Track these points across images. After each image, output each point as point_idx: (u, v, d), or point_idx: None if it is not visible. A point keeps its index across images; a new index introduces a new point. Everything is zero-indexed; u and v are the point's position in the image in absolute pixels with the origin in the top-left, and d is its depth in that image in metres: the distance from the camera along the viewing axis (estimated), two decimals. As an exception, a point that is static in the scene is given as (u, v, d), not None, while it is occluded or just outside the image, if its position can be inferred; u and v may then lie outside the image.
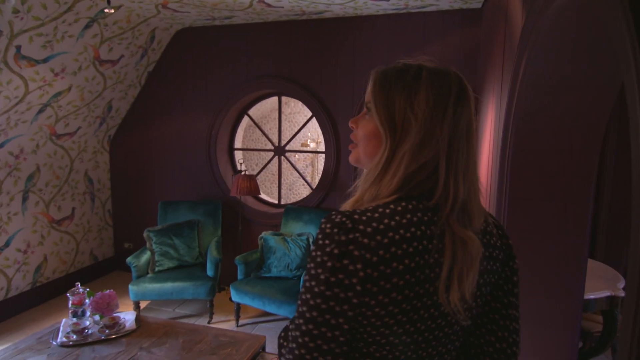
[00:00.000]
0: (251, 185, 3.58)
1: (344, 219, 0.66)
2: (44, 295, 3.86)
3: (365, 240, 0.64)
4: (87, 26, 3.20)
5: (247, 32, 3.89)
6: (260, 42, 3.87)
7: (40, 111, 3.46)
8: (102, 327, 2.36)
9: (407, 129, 0.71)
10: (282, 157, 4.31)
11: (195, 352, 2.16)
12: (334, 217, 0.67)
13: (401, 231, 0.66)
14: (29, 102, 3.28)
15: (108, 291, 2.42)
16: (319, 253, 0.65)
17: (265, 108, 5.67)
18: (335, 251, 0.64)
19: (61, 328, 2.36)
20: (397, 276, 0.65)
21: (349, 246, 0.64)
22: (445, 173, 0.70)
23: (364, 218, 0.66)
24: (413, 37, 3.45)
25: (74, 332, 2.29)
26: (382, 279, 0.64)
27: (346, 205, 0.75)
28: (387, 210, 0.68)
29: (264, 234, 3.54)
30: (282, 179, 4.73)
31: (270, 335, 3.15)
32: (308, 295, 0.65)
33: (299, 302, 0.68)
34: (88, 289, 2.47)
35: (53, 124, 3.68)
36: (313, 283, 0.65)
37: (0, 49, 2.77)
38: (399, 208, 0.68)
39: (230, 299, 3.44)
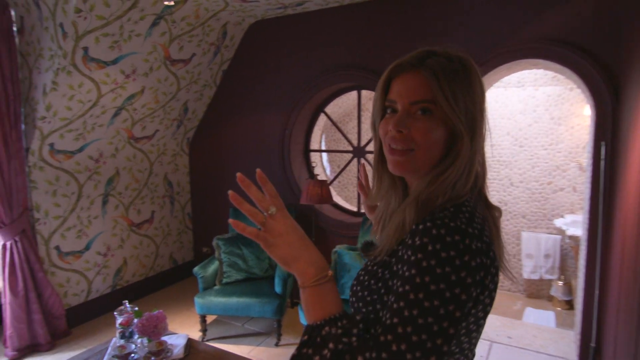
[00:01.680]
0: (323, 192, 3.14)
1: (462, 225, 0.66)
2: (123, 298, 3.86)
3: (478, 245, 0.66)
4: (154, 24, 3.05)
5: (321, 18, 3.46)
6: (335, 30, 3.42)
7: (116, 114, 3.43)
8: (147, 354, 2.10)
9: (480, 124, 0.74)
10: (363, 159, 3.81)
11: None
12: (453, 224, 0.66)
13: (486, 232, 0.71)
14: (103, 105, 3.25)
15: (157, 312, 2.17)
16: (447, 269, 0.62)
17: (347, 105, 5.22)
18: (469, 260, 0.64)
19: (109, 349, 2.16)
20: (496, 275, 0.71)
21: (477, 255, 0.65)
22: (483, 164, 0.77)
23: (473, 226, 0.68)
24: (522, 12, 2.71)
25: (118, 356, 2.07)
26: (492, 280, 0.69)
27: (410, 207, 0.73)
28: (472, 212, 0.70)
29: (338, 248, 3.09)
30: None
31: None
32: (430, 319, 0.61)
33: (405, 329, 0.61)
34: (137, 308, 2.24)
35: (130, 127, 3.65)
36: (443, 295, 0.62)
37: (67, 51, 2.72)
38: (473, 207, 0.72)
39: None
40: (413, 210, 0.72)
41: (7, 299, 2.93)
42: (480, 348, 3.00)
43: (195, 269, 3.27)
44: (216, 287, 3.23)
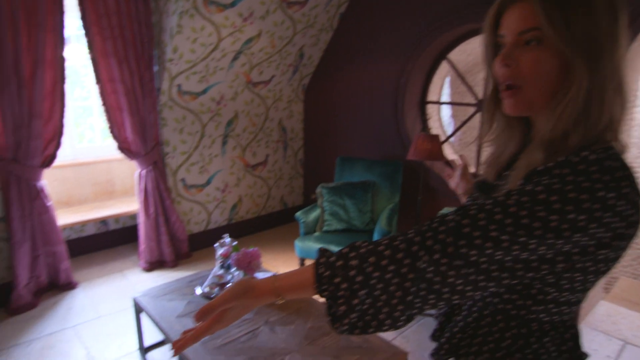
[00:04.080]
0: (433, 148, 2.86)
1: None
2: (238, 232, 4.20)
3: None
4: (271, -38, 2.98)
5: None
6: (470, -41, 2.93)
7: (235, 58, 3.54)
8: (241, 286, 2.23)
9: (608, 49, 0.65)
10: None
11: (317, 346, 1.78)
12: (621, 172, 0.63)
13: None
14: (223, 49, 3.37)
15: (252, 249, 2.26)
16: (583, 198, 0.61)
17: (479, 53, 4.63)
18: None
19: (209, 277, 2.35)
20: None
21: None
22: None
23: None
24: None
25: (216, 284, 2.23)
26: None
27: (536, 149, 0.70)
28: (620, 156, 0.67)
29: (446, 209, 2.83)
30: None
31: (418, 347, 2.53)
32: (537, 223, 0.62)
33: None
34: (235, 243, 2.37)
35: (248, 71, 3.76)
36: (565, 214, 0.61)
37: (190, -7, 2.82)
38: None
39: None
40: (540, 151, 0.69)
41: (141, 220, 3.40)
42: (609, 347, 2.54)
43: (298, 214, 3.34)
44: (316, 234, 3.28)
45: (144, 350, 2.33)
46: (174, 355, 0.70)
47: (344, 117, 4.08)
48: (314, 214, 3.39)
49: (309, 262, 3.48)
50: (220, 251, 2.33)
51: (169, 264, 3.49)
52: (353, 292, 0.68)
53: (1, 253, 2.86)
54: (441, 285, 0.65)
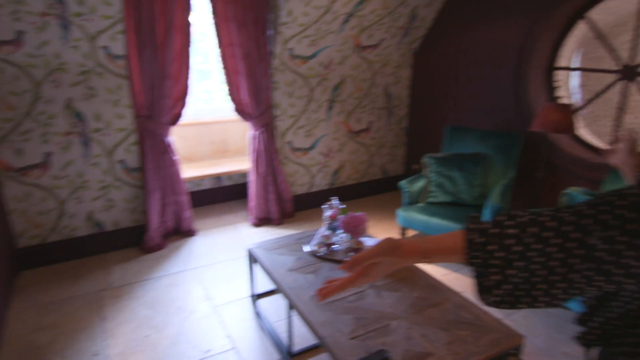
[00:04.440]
0: (564, 119, 2.55)
1: None
2: (338, 197, 4.27)
3: None
4: None
5: None
6: None
7: (345, 21, 3.49)
8: (348, 248, 2.28)
9: None
10: (633, 83, 2.89)
11: (424, 316, 1.76)
12: None
13: None
14: (335, 11, 3.33)
15: (359, 213, 2.28)
16: None
17: (623, 11, 3.95)
18: None
19: (316, 236, 2.43)
20: None
21: None
22: None
23: None
24: None
25: (323, 244, 2.31)
26: None
27: None
28: None
29: (571, 190, 2.55)
30: (628, 115, 3.27)
31: (529, 332, 2.37)
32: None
33: None
34: (344, 206, 2.41)
35: (358, 34, 3.69)
36: None
37: (308, -46, 2.80)
38: None
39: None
40: None
41: (252, 178, 3.62)
42: None
43: (402, 183, 3.28)
44: (420, 204, 3.20)
45: (256, 296, 2.53)
46: (318, 302, 0.75)
47: (456, 83, 3.83)
48: (419, 184, 3.29)
49: (411, 232, 3.43)
50: (327, 213, 2.38)
51: (275, 221, 3.70)
52: (508, 262, 0.64)
53: (138, 199, 3.28)
54: (614, 266, 0.57)
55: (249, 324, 2.43)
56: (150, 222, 3.20)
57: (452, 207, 3.11)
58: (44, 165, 2.90)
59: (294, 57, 3.55)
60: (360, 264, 0.73)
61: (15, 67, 2.65)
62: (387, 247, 0.73)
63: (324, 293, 0.76)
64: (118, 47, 2.86)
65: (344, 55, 3.80)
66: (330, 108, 3.96)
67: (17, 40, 2.57)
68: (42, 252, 3.03)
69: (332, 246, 2.29)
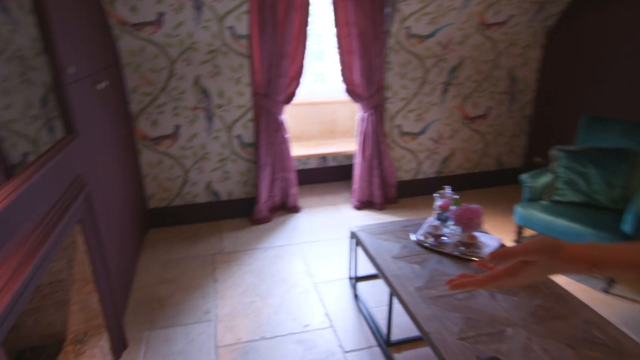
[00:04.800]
0: None
1: None
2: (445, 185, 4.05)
3: None
4: None
5: None
6: None
7: (472, -4, 3.20)
8: (458, 242, 2.12)
9: None
10: None
11: (546, 328, 1.56)
12: None
13: None
14: (461, -15, 3.07)
15: (475, 206, 2.10)
16: None
17: None
18: None
19: (425, 225, 2.31)
20: None
21: None
22: None
23: None
24: None
25: (431, 234, 2.18)
26: None
27: None
28: None
29: None
30: None
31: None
32: None
33: None
34: (457, 197, 2.24)
35: (483, 10, 3.37)
36: None
37: None
38: None
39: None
40: None
41: (357, 160, 3.59)
42: None
43: (523, 176, 2.96)
44: (543, 202, 2.86)
45: (356, 279, 2.51)
46: (450, 290, 0.65)
47: (597, 66, 3.30)
48: (543, 179, 2.94)
49: (528, 232, 3.10)
50: (439, 202, 2.25)
51: (377, 206, 3.63)
52: None
53: (250, 172, 3.46)
54: None
55: (347, 305, 2.43)
56: (260, 196, 3.37)
57: (583, 209, 2.72)
58: (174, 136, 3.21)
59: (411, 36, 3.38)
60: (508, 259, 0.62)
61: (156, 46, 2.93)
62: (545, 246, 0.60)
63: (456, 284, 0.67)
64: (242, 27, 2.99)
65: (465, 34, 3.51)
66: (445, 91, 3.71)
67: (157, 22, 2.83)
68: (167, 214, 3.39)
69: (441, 237, 2.16)
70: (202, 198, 3.44)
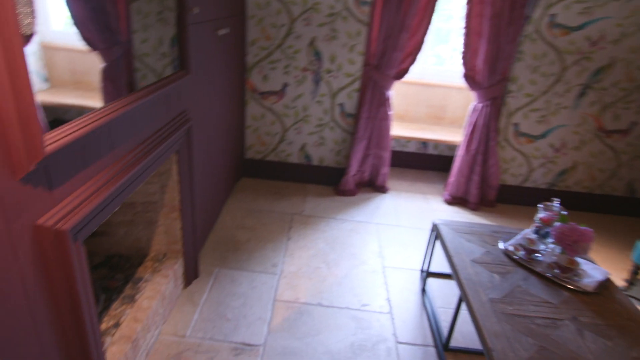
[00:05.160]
0: None
1: None
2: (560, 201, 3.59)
3: None
4: None
5: None
6: None
7: (645, -14, 2.66)
8: (554, 263, 1.86)
9: None
10: None
11: (642, 387, 1.29)
12: None
13: None
14: (634, -30, 2.57)
15: (585, 228, 1.80)
16: None
17: None
18: None
19: (519, 236, 2.07)
20: None
21: None
22: None
23: None
24: None
25: (523, 247, 1.94)
26: None
27: None
28: None
29: None
30: None
31: None
32: None
33: None
34: (566, 213, 1.95)
35: (657, 6, 2.80)
36: None
37: None
38: None
39: None
40: None
41: (460, 153, 3.33)
42: None
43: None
44: (676, 244, 2.37)
45: (427, 273, 2.37)
46: None
47: None
48: (685, 217, 2.42)
49: (646, 273, 2.61)
50: (541, 214, 1.98)
51: (471, 205, 3.37)
52: None
53: (345, 143, 3.43)
54: None
55: (411, 296, 2.31)
56: (350, 168, 3.33)
57: None
58: (280, 93, 3.29)
59: (554, 25, 2.96)
60: None
61: (280, 2, 2.98)
62: None
63: None
64: (367, -8, 2.89)
65: (624, 33, 2.97)
66: (581, 95, 3.22)
67: (287, -23, 2.86)
68: (260, 167, 3.53)
69: (535, 254, 1.91)
70: (295, 159, 3.51)
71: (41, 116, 0.93)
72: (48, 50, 1.14)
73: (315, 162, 3.51)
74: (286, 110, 3.34)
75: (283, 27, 3.07)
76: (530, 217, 3.29)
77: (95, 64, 1.30)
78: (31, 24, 0.98)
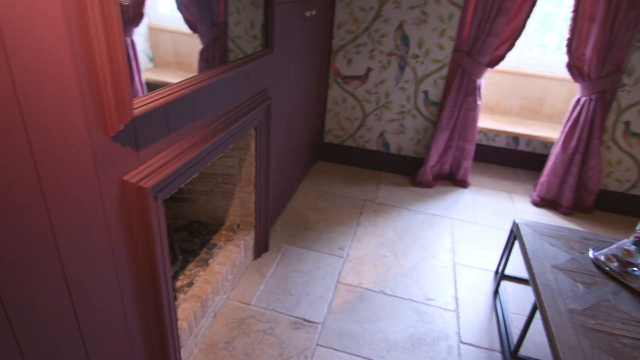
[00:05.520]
0: None
1: None
2: (668, 215, 3.13)
3: None
4: None
5: None
6: None
7: None
8: (654, 280, 1.62)
9: None
10: None
11: None
12: None
13: None
14: None
15: (700, 245, 1.54)
16: None
17: None
18: None
19: (613, 245, 1.83)
20: None
21: None
22: None
23: None
24: None
25: (618, 258, 1.72)
26: None
27: None
28: None
29: None
30: None
31: None
32: None
33: None
34: (676, 225, 1.68)
35: None
36: None
37: None
38: None
39: None
40: None
41: (555, 151, 3.03)
42: None
43: None
44: None
45: (502, 276, 2.22)
46: None
47: None
48: None
49: None
50: (644, 224, 1.73)
51: (562, 209, 3.06)
52: None
53: (426, 132, 3.30)
54: None
55: (481, 298, 2.18)
56: (429, 159, 3.21)
57: None
58: (363, 78, 3.25)
59: (690, 8, 2.52)
60: None
61: (370, -16, 2.93)
62: None
63: None
64: (463, -27, 2.72)
65: None
66: None
67: (378, -42, 2.80)
68: (337, 151, 3.55)
69: (631, 267, 1.68)
70: (372, 145, 3.47)
71: (142, 89, 1.03)
72: (154, 32, 1.23)
73: (393, 150, 3.44)
74: (368, 96, 3.30)
75: (372, 10, 3.02)
76: (631, 229, 2.90)
77: (195, 46, 1.40)
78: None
